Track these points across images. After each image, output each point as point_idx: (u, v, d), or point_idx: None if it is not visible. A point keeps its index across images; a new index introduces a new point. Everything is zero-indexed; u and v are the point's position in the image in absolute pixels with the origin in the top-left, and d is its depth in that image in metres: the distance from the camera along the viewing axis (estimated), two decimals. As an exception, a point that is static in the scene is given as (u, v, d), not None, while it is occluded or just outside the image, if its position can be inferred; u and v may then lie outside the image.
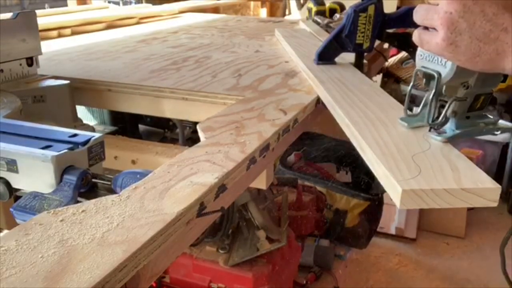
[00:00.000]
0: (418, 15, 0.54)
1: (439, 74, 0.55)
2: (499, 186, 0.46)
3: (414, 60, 0.60)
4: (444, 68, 0.55)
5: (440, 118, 0.58)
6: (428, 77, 0.57)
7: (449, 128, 0.59)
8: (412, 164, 0.50)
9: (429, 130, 0.59)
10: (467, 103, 0.58)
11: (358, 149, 0.60)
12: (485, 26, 0.48)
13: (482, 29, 0.48)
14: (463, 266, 2.19)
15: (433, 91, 0.56)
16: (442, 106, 0.58)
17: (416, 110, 0.63)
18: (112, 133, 1.36)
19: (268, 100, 0.85)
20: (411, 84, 0.63)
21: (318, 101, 0.86)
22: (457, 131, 0.58)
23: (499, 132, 0.61)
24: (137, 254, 0.40)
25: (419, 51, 0.58)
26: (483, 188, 0.46)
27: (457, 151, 0.54)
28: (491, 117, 0.61)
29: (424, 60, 0.57)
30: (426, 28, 0.54)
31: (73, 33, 1.66)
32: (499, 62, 0.49)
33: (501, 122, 0.61)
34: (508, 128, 0.62)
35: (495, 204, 0.46)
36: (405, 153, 0.53)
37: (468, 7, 0.48)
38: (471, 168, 0.50)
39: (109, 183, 0.57)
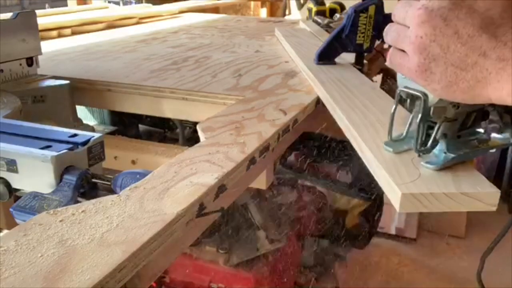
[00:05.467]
0: (389, 37, 0.49)
1: (425, 95, 0.49)
2: (499, 191, 0.46)
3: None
4: None
5: (429, 143, 0.51)
6: (413, 98, 0.51)
7: (439, 150, 0.52)
8: (412, 167, 0.50)
9: (418, 156, 0.53)
10: (458, 123, 0.52)
11: (357, 151, 0.60)
12: (460, 50, 0.42)
13: (458, 53, 0.42)
14: (463, 266, 2.19)
15: (420, 115, 0.50)
16: (430, 127, 0.52)
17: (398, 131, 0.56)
18: (112, 133, 1.36)
19: (268, 100, 0.85)
20: (394, 107, 0.54)
21: (318, 101, 0.86)
22: (450, 155, 0.51)
23: (494, 150, 0.55)
24: (136, 255, 0.40)
25: None
26: (483, 192, 0.46)
27: None
28: (482, 131, 0.55)
29: (407, 79, 0.50)
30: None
31: (73, 33, 1.66)
32: (480, 90, 0.42)
33: (495, 136, 0.55)
34: (503, 144, 0.55)
35: (494, 209, 0.46)
36: (404, 156, 0.53)
37: (440, 30, 0.42)
38: (470, 172, 0.50)
39: (109, 183, 0.57)
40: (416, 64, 0.45)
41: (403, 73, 0.49)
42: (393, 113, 0.54)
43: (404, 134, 0.54)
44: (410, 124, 0.53)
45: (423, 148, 0.52)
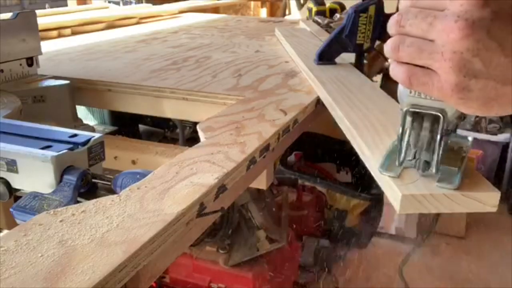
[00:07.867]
0: (403, 53, 0.41)
1: (444, 113, 0.44)
2: (499, 192, 0.46)
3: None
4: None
5: (438, 159, 0.46)
6: (418, 115, 0.46)
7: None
8: (412, 168, 0.50)
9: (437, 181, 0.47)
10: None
11: (358, 151, 0.60)
12: (503, 64, 0.38)
13: (500, 67, 0.38)
14: (463, 266, 2.19)
15: (439, 136, 0.45)
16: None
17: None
18: (112, 133, 1.36)
19: (268, 100, 0.85)
20: (409, 131, 0.47)
21: (318, 101, 0.86)
22: (458, 169, 0.48)
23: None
24: (137, 255, 0.40)
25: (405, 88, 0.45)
26: (483, 193, 0.46)
27: None
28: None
29: (416, 97, 0.45)
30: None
31: (73, 33, 1.66)
32: None
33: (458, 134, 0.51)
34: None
35: (494, 210, 0.46)
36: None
37: (483, 43, 0.37)
38: (471, 173, 0.49)
39: (109, 183, 0.57)
40: (453, 83, 0.39)
41: (431, 94, 0.42)
42: (404, 136, 0.47)
43: (402, 158, 0.48)
44: (419, 146, 0.47)
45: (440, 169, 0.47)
